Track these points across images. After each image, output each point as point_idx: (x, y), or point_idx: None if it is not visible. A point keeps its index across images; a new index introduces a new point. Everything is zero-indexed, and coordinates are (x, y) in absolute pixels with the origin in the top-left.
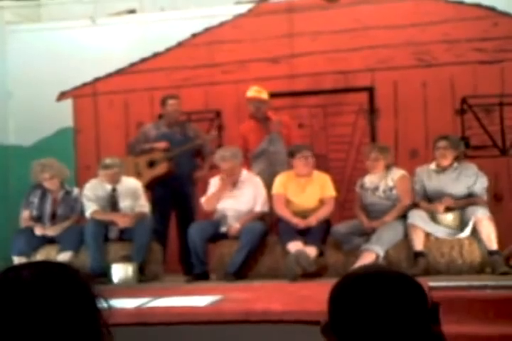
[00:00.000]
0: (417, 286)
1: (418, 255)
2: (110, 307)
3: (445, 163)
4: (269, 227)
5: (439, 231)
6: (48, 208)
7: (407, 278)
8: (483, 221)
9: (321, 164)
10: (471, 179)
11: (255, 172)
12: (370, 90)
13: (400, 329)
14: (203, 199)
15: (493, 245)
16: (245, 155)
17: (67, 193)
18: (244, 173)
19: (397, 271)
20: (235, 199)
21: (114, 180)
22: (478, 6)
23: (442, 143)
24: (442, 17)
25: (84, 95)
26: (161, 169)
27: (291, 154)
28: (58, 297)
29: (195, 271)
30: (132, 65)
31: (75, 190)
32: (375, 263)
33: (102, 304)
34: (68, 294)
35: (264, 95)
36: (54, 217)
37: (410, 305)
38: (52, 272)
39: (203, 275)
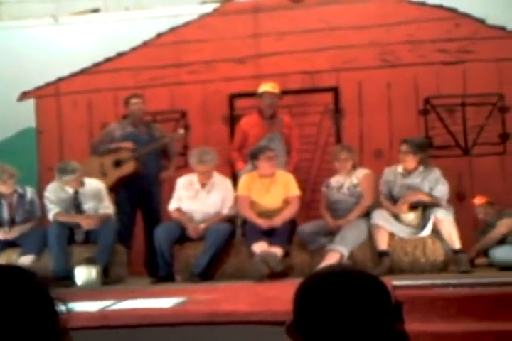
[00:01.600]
0: (381, 285)
1: (382, 254)
2: (69, 311)
3: (408, 166)
4: (240, 229)
5: (402, 231)
6: (5, 215)
7: (370, 277)
8: (444, 222)
9: None
10: (432, 184)
11: (249, 169)
12: (335, 90)
13: (363, 328)
14: (171, 207)
15: (456, 244)
16: (241, 150)
17: (21, 197)
18: (216, 176)
19: (361, 270)
20: (203, 201)
21: (78, 184)
22: (441, 7)
23: (402, 148)
24: (406, 18)
25: (47, 95)
26: (127, 168)
27: (254, 156)
28: (12, 300)
29: (160, 272)
30: (96, 64)
31: (29, 191)
32: (340, 263)
33: (61, 307)
34: (23, 297)
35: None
36: (13, 223)
37: (374, 304)
38: (6, 275)
39: (168, 277)
